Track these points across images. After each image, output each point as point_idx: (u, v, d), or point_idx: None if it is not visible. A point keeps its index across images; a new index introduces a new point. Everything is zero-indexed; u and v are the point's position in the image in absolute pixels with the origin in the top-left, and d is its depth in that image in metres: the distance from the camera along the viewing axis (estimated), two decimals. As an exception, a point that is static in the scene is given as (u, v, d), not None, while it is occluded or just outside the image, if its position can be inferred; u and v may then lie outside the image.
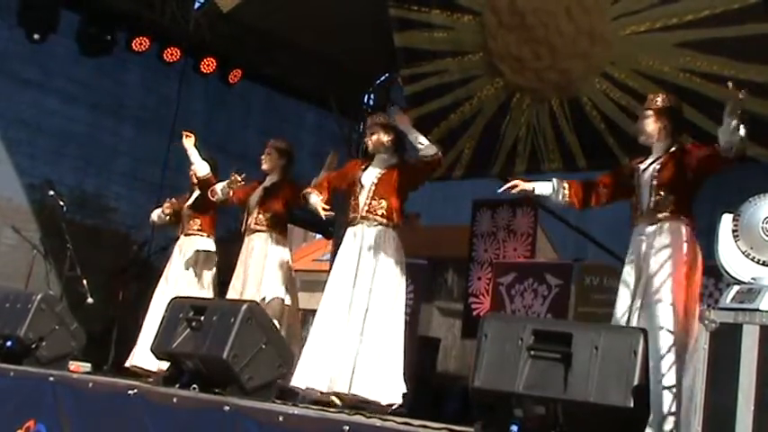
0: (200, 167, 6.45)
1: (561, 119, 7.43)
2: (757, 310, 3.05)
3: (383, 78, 10.69)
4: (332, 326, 5.11)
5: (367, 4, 8.36)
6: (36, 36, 8.71)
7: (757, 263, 3.33)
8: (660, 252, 4.39)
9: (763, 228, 3.34)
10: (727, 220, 3.44)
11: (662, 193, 4.48)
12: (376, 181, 5.31)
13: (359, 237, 5.25)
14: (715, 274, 6.49)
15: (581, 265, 8.33)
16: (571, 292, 8.03)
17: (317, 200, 5.37)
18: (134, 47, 9.25)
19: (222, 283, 6.47)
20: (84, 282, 7.41)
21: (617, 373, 3.30)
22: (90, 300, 7.34)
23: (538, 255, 8.93)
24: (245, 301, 4.54)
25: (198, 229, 6.74)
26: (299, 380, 5.01)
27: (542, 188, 4.93)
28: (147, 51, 9.34)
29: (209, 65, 9.68)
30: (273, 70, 10.20)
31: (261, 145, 6.43)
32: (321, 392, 5.03)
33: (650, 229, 4.47)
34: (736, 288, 3.23)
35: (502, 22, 7.48)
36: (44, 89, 9.10)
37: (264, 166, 6.22)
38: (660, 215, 4.46)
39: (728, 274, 3.38)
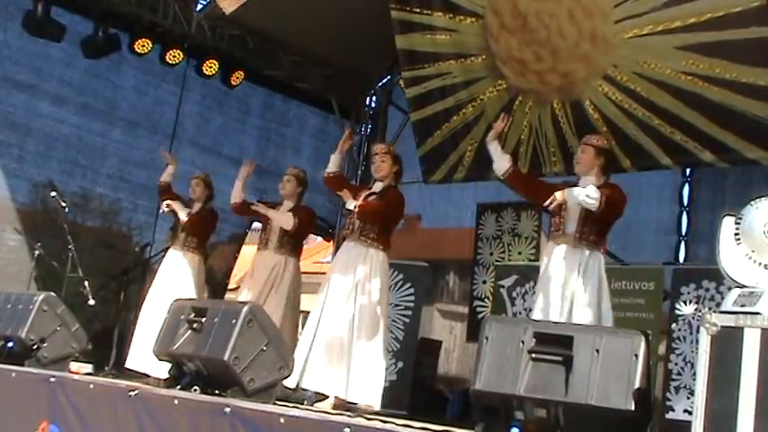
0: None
1: (563, 121, 7.43)
2: (758, 313, 3.05)
3: (385, 80, 10.69)
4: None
5: (369, 6, 8.36)
6: (39, 38, 8.75)
7: (759, 266, 3.32)
8: None
9: (764, 231, 3.33)
10: (728, 223, 3.43)
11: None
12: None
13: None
14: (716, 278, 6.51)
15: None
16: (573, 295, 7.99)
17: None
18: (136, 49, 9.27)
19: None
20: (86, 283, 7.41)
21: (618, 376, 3.30)
22: (91, 301, 7.34)
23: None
24: (245, 303, 4.54)
25: None
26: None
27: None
28: (148, 54, 9.35)
29: (211, 67, 9.68)
30: (275, 72, 10.20)
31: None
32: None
33: None
34: (737, 291, 3.23)
35: (504, 24, 7.48)
36: (37, 91, 9.07)
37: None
38: None
39: (730, 277, 3.37)
